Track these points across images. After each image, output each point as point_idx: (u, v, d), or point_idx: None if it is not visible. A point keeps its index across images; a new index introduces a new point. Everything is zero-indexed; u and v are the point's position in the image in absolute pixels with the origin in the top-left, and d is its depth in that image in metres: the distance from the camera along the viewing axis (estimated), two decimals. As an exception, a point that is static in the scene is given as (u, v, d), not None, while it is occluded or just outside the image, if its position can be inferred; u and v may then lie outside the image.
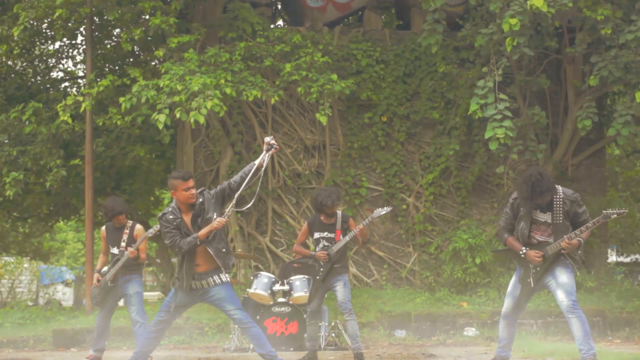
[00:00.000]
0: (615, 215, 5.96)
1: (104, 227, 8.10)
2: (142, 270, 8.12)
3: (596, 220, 6.04)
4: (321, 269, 7.66)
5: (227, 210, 6.17)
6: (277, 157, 12.98)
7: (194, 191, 6.12)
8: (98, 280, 7.80)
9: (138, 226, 7.96)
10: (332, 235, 7.74)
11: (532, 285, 6.23)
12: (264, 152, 6.07)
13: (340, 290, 7.65)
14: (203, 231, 6.03)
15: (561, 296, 6.09)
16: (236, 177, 6.15)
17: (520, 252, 6.20)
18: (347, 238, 7.63)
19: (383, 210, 7.70)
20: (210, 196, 6.17)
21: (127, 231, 7.83)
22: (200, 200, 6.15)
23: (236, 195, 6.14)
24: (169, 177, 6.30)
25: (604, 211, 6.02)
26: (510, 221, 6.33)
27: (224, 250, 6.16)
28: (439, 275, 12.40)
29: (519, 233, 6.22)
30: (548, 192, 6.01)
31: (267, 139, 6.09)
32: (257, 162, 6.11)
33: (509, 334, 6.53)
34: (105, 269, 7.88)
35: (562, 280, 6.11)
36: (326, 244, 7.72)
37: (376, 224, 13.11)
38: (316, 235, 7.82)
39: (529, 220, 6.17)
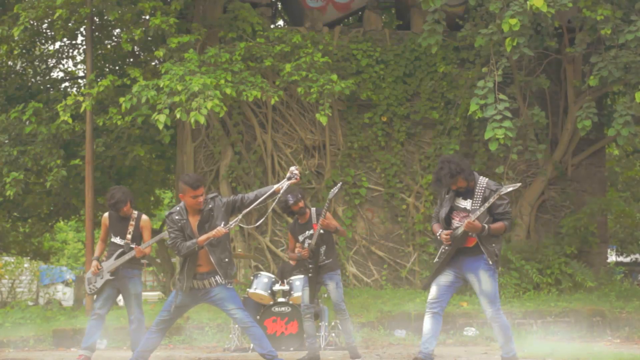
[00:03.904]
0: (512, 189, 6.16)
1: (106, 214, 7.77)
2: (142, 266, 7.97)
3: (491, 199, 6.16)
4: (310, 266, 7.73)
5: (231, 222, 6.19)
6: (277, 157, 13.00)
7: (201, 199, 6.16)
8: (97, 269, 7.52)
9: (144, 217, 7.76)
10: (311, 231, 7.83)
11: (445, 267, 6.37)
12: (285, 179, 6.13)
13: (333, 291, 7.74)
14: (202, 237, 6.07)
15: (484, 304, 6.28)
16: (250, 195, 6.21)
17: (437, 234, 6.41)
18: (318, 229, 7.65)
19: (336, 189, 7.52)
20: (221, 204, 6.21)
21: (132, 223, 7.61)
22: (210, 206, 6.18)
23: (244, 212, 6.19)
24: (180, 180, 6.33)
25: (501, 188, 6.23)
26: (438, 209, 6.57)
27: (226, 260, 6.20)
28: (439, 275, 12.40)
29: (441, 218, 6.41)
30: (451, 177, 6.20)
31: (292, 168, 6.15)
32: (275, 186, 6.17)
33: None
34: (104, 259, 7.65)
35: (486, 287, 6.25)
36: (310, 241, 7.78)
37: (376, 224, 13.13)
38: (300, 238, 7.91)
39: (448, 206, 6.38)
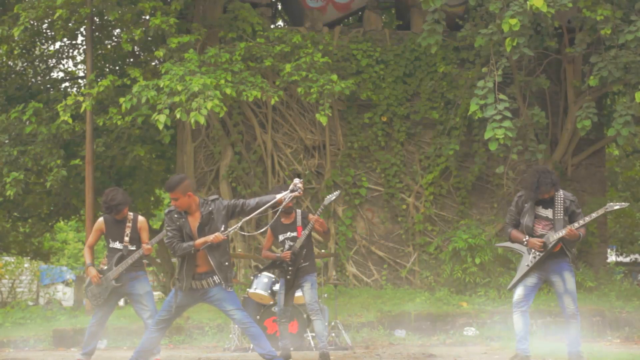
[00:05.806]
0: (618, 207, 6.62)
1: (101, 219, 7.41)
2: (144, 266, 7.77)
3: (599, 211, 6.65)
4: (290, 268, 7.68)
5: (230, 229, 6.18)
6: (277, 157, 13.00)
7: (174, 202, 6.14)
8: (98, 278, 7.22)
9: (141, 218, 7.49)
10: (294, 234, 7.78)
11: (532, 270, 6.75)
12: (289, 191, 6.10)
13: (308, 291, 7.70)
14: (200, 241, 6.07)
15: (567, 301, 6.72)
16: (251, 202, 6.16)
17: (524, 240, 6.76)
18: (307, 231, 7.67)
19: (333, 196, 7.63)
20: (221, 207, 6.18)
21: (129, 224, 7.34)
22: (211, 208, 6.16)
23: (244, 220, 6.17)
24: None
25: (609, 203, 6.71)
26: (515, 217, 6.90)
27: (226, 263, 6.20)
28: (438, 275, 12.41)
29: (524, 226, 6.78)
30: (552, 186, 6.63)
31: (296, 181, 6.13)
32: (277, 197, 6.12)
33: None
34: (102, 266, 7.46)
35: (571, 287, 6.72)
36: (291, 243, 7.75)
37: (376, 224, 13.13)
38: (280, 237, 7.85)
39: (532, 215, 6.76)
